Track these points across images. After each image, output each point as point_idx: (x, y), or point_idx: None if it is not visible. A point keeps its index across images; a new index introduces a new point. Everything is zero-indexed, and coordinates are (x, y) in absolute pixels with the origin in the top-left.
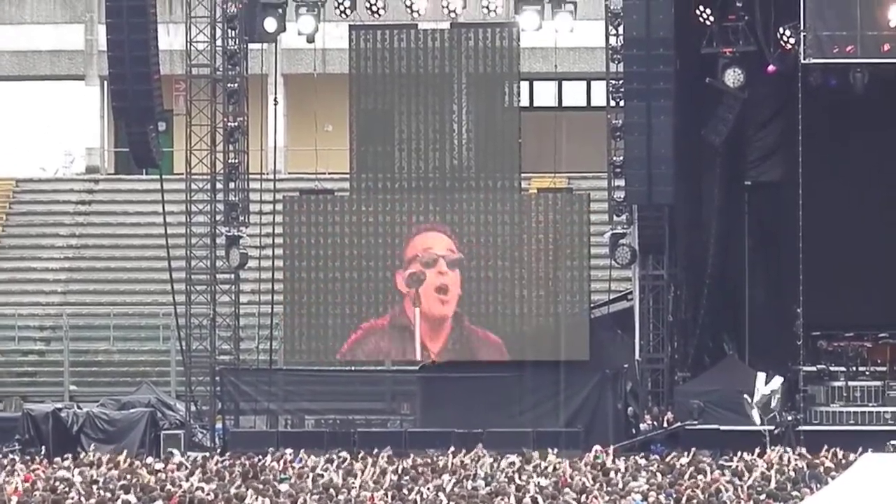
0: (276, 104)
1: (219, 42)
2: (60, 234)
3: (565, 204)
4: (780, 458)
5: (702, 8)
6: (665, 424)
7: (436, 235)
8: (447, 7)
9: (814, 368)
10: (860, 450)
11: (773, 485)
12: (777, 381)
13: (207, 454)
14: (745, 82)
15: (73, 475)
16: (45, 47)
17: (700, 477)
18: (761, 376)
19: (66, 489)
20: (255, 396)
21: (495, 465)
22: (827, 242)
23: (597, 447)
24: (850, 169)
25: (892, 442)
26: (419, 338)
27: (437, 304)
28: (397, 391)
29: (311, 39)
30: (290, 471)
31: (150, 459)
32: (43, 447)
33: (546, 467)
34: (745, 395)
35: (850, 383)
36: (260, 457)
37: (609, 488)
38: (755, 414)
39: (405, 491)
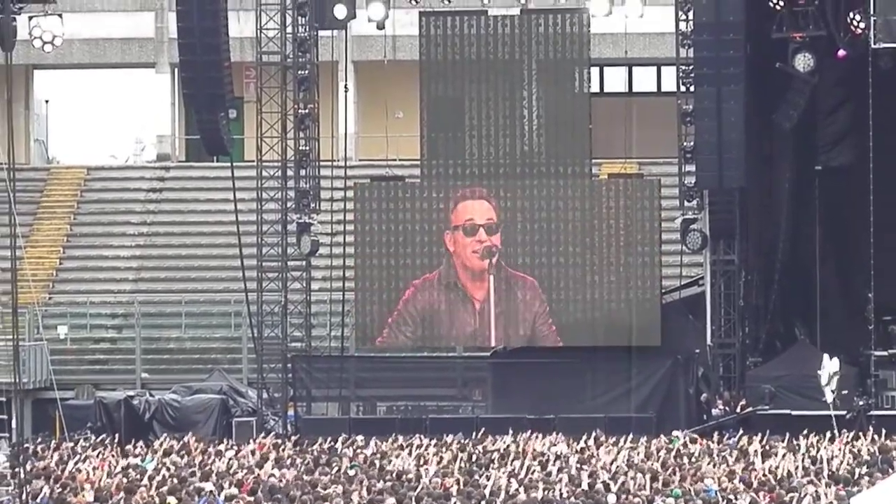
0: (346, 91)
1: (289, 29)
2: (131, 222)
3: (636, 189)
4: (852, 442)
5: None
6: (737, 409)
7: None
8: None
9: (885, 353)
10: None
11: (844, 469)
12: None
13: (279, 441)
14: (815, 67)
15: (145, 462)
16: (116, 35)
17: (771, 462)
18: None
19: (139, 476)
20: (326, 383)
21: (567, 450)
22: None
23: (676, 433)
24: None
25: None
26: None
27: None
28: (469, 377)
29: (381, 26)
30: (361, 457)
31: (221, 446)
32: (115, 435)
33: (618, 452)
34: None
35: None
36: (332, 443)
37: (681, 473)
38: (828, 392)
39: (476, 477)
